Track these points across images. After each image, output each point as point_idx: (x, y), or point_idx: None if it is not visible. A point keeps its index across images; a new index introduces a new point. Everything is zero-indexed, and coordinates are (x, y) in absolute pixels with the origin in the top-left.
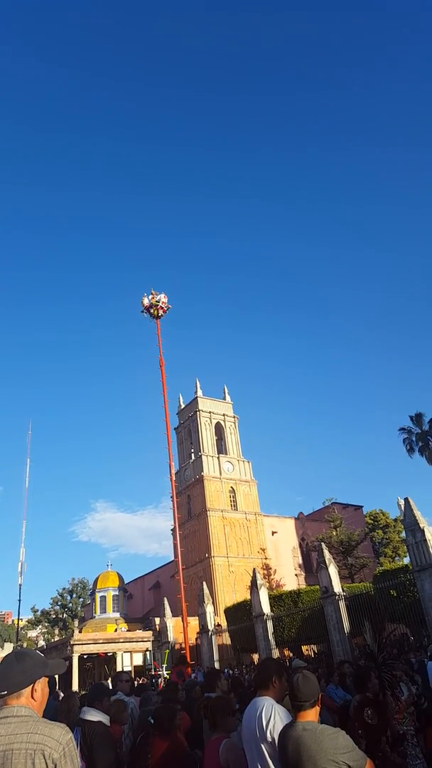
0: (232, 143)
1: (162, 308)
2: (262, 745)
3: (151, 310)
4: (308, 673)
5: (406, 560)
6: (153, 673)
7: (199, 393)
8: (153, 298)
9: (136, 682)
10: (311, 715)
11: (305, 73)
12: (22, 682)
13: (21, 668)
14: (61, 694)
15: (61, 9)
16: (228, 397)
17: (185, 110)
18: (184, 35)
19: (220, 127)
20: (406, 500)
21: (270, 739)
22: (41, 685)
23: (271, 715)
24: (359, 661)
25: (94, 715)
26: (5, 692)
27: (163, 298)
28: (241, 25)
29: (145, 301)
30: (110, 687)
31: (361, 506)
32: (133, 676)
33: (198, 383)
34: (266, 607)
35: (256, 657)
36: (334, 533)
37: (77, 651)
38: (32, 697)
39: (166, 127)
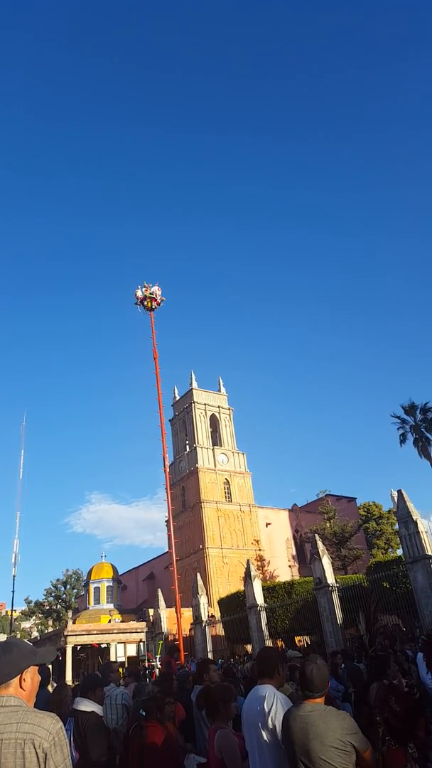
0: (229, 127)
1: (156, 300)
2: (263, 732)
3: (145, 303)
4: (322, 664)
5: (399, 552)
6: (147, 664)
7: (194, 385)
8: (147, 290)
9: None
10: (320, 700)
11: (305, 56)
12: (10, 672)
13: (8, 659)
14: (54, 685)
15: None
16: (223, 389)
17: (179, 95)
18: (182, 16)
19: (216, 111)
20: (399, 492)
21: (271, 726)
22: (30, 675)
23: (273, 703)
24: (352, 652)
25: (87, 706)
26: (7, 679)
27: (156, 290)
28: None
29: (139, 294)
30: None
31: (355, 498)
32: (127, 666)
33: (193, 375)
34: (260, 599)
35: (249, 648)
36: (328, 525)
37: (71, 642)
38: (21, 686)
39: (160, 112)
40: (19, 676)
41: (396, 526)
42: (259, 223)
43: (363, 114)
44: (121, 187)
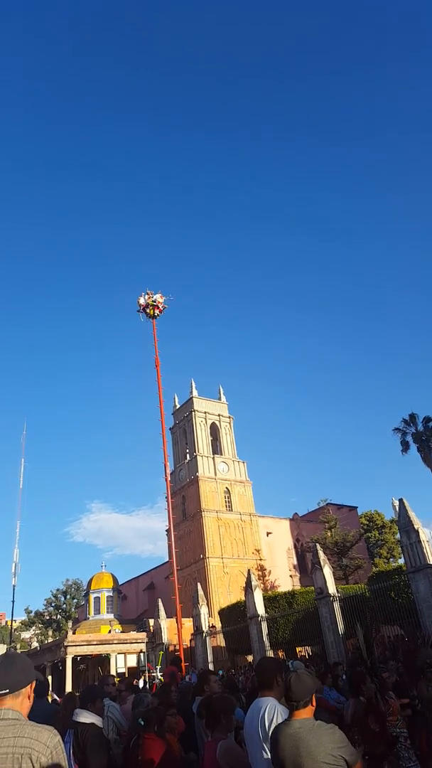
0: (231, 133)
1: (158, 308)
2: (264, 745)
3: (147, 310)
4: (303, 674)
5: (401, 561)
6: (148, 675)
7: (195, 393)
8: (149, 297)
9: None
10: (306, 713)
11: (307, 62)
12: (21, 681)
13: (20, 668)
14: (54, 697)
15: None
16: (223, 398)
17: (181, 101)
18: (183, 23)
19: (217, 117)
20: (401, 501)
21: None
22: (32, 688)
23: (274, 716)
24: (352, 663)
25: (86, 717)
26: (6, 690)
27: (159, 297)
28: (239, 15)
29: (141, 301)
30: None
31: (356, 507)
32: (126, 677)
33: (193, 383)
34: (261, 609)
35: (250, 658)
36: (329, 534)
37: (71, 652)
38: (27, 698)
39: (162, 117)
40: (29, 686)
41: (398, 536)
42: (259, 228)
43: (369, 118)
44: (122, 191)
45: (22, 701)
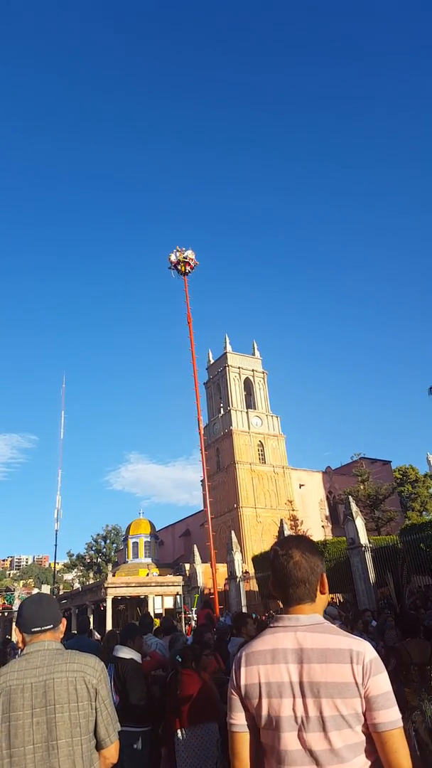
0: (268, 102)
1: (189, 264)
2: None
3: (178, 267)
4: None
5: None
6: (184, 616)
7: (228, 348)
8: (180, 254)
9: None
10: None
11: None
12: (60, 617)
13: (55, 606)
14: (96, 634)
15: None
16: (257, 353)
17: (224, 70)
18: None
19: (254, 82)
20: None
21: None
22: (63, 626)
23: None
24: (384, 610)
25: (126, 653)
26: (51, 625)
27: (190, 254)
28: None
29: (173, 257)
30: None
31: (390, 462)
32: (162, 618)
33: (227, 339)
34: None
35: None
36: (362, 487)
37: (111, 593)
38: (61, 634)
39: (201, 83)
40: (61, 625)
41: (431, 489)
42: (294, 192)
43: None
44: (158, 154)
45: (59, 636)
